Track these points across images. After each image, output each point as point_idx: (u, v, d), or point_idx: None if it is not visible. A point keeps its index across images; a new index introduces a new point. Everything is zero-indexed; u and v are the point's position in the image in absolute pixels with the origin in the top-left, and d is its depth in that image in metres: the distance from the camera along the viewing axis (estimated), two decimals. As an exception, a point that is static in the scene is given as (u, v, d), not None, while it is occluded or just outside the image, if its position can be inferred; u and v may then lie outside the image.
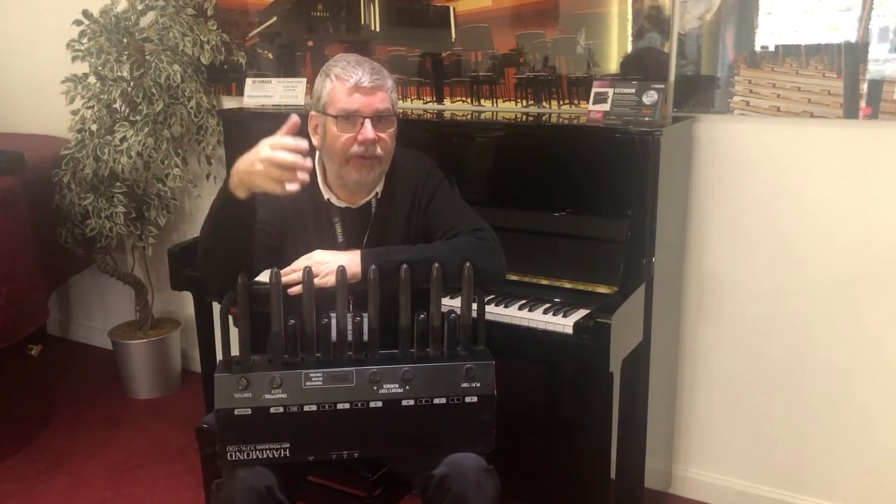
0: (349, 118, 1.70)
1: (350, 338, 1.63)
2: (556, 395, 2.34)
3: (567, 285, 2.03)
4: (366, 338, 1.62)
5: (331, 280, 1.61)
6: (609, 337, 1.81)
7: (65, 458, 2.79)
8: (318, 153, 1.85)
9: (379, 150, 1.73)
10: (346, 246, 1.80)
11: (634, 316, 1.99)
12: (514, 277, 2.05)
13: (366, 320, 1.61)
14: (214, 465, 1.62)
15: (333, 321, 1.60)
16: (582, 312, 1.93)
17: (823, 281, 2.16)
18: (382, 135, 1.73)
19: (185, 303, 3.28)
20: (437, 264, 1.59)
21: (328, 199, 1.82)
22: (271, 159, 1.48)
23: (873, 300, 2.11)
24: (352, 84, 1.69)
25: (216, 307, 2.28)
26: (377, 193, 1.84)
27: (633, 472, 2.17)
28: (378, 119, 1.72)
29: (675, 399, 2.44)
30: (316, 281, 1.60)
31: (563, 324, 1.89)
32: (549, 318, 1.92)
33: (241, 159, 1.54)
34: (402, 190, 1.87)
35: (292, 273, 1.64)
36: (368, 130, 1.70)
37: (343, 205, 1.83)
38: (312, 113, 1.78)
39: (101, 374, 3.43)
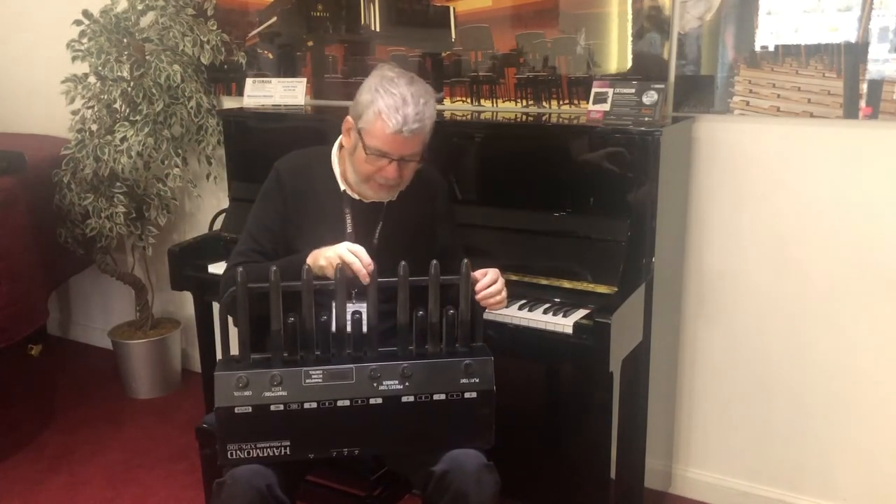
0: (379, 156, 1.74)
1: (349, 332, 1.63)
2: (556, 395, 2.34)
3: (567, 285, 2.03)
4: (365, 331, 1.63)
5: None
6: (609, 337, 1.81)
7: (65, 458, 2.79)
8: (337, 142, 1.88)
9: (398, 182, 1.78)
10: (355, 237, 1.83)
11: (634, 316, 1.99)
12: (514, 277, 2.05)
13: (364, 316, 1.61)
14: (214, 464, 1.62)
15: (333, 318, 1.60)
16: (582, 312, 1.93)
17: (823, 281, 2.16)
18: (405, 168, 1.77)
19: (185, 303, 3.27)
20: (434, 261, 1.60)
21: (344, 189, 1.86)
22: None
23: (873, 300, 2.11)
24: (392, 130, 1.69)
25: (216, 307, 2.27)
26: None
27: (633, 472, 2.17)
28: (404, 160, 1.76)
29: (675, 399, 2.44)
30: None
31: (563, 324, 1.89)
32: (549, 318, 1.92)
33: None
34: (417, 196, 1.90)
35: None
36: (392, 171, 1.74)
37: (356, 197, 1.86)
38: (349, 118, 1.79)
39: (101, 374, 3.43)
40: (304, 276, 1.56)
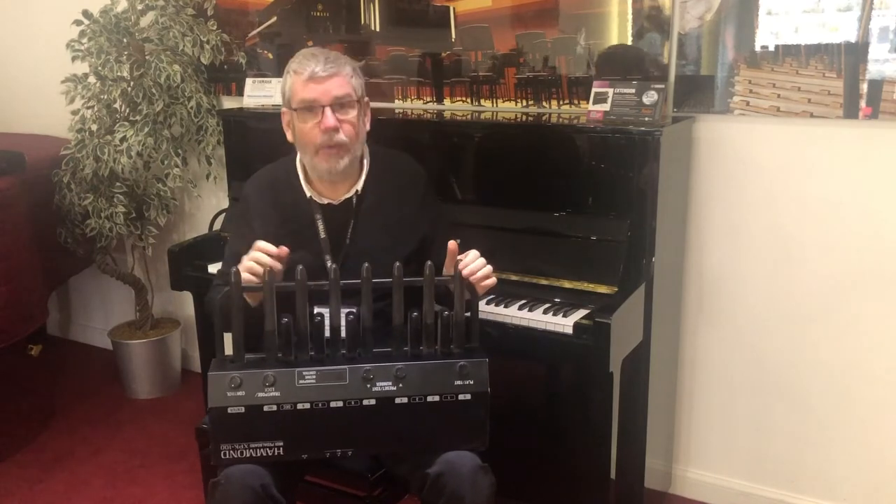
0: (310, 109, 1.74)
1: (343, 334, 1.63)
2: (556, 395, 2.34)
3: (567, 285, 2.03)
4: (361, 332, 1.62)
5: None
6: (609, 337, 1.81)
7: (65, 458, 2.79)
8: (298, 153, 1.88)
9: (342, 136, 1.76)
10: (329, 241, 1.83)
11: (634, 316, 1.99)
12: (514, 277, 2.05)
13: (357, 316, 1.61)
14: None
15: (326, 318, 1.60)
16: (582, 312, 1.93)
17: (823, 281, 2.16)
18: (345, 118, 1.76)
19: (185, 303, 3.28)
20: (429, 262, 1.59)
21: (310, 196, 1.86)
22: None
23: (873, 300, 2.11)
24: (306, 76, 1.73)
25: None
26: (357, 190, 1.86)
27: (633, 472, 2.17)
28: (338, 105, 1.75)
29: (675, 399, 2.44)
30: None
31: (563, 324, 1.89)
32: (549, 318, 1.92)
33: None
34: (391, 189, 1.89)
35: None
36: (329, 118, 1.73)
37: (325, 201, 1.86)
38: (283, 110, 1.82)
39: (101, 374, 3.43)
40: (299, 276, 1.55)
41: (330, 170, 1.79)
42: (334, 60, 1.76)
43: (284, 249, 1.64)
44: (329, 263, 1.81)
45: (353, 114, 1.77)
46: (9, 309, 2.64)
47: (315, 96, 1.73)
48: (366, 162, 1.88)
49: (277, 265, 1.63)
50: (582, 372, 2.16)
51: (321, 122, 1.73)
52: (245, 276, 1.61)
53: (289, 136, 1.84)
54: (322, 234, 1.84)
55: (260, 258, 1.63)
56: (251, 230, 1.85)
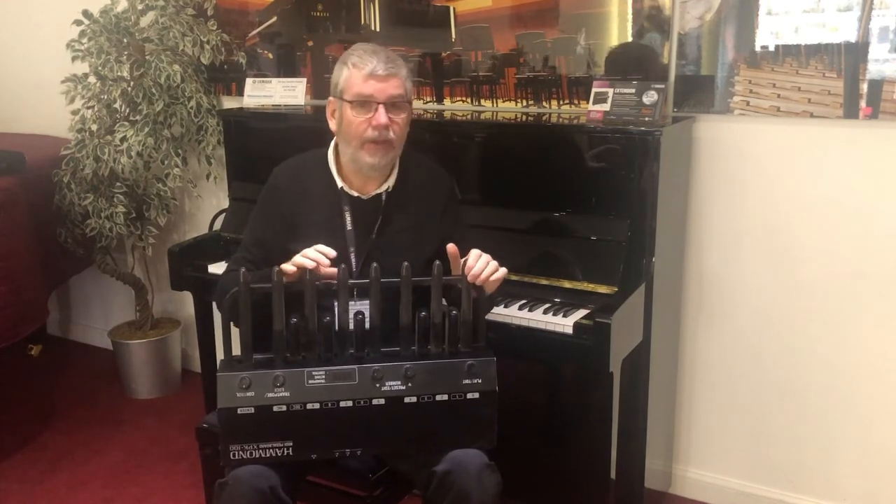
0: (364, 103, 1.75)
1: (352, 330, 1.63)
2: (556, 395, 2.34)
3: (567, 285, 2.03)
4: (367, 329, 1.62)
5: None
6: (609, 337, 1.81)
7: (65, 458, 2.79)
8: (332, 143, 1.88)
9: (391, 135, 1.77)
10: (354, 234, 1.84)
11: (634, 316, 1.99)
12: (514, 277, 2.05)
13: (367, 317, 1.61)
14: (215, 464, 1.63)
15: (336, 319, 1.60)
16: (582, 312, 1.93)
17: (823, 281, 2.16)
18: (395, 118, 1.77)
19: (185, 303, 3.28)
20: (437, 262, 1.60)
21: (342, 187, 1.86)
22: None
23: (873, 300, 2.11)
24: (367, 71, 1.74)
25: (216, 307, 2.27)
26: (389, 187, 1.87)
27: (633, 472, 2.17)
28: (392, 105, 1.76)
29: (675, 399, 2.44)
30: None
31: (563, 324, 1.89)
32: (549, 318, 1.93)
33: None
34: (418, 190, 1.90)
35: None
36: (382, 115, 1.75)
37: (355, 194, 1.86)
38: (331, 98, 1.83)
39: (101, 374, 3.43)
40: (308, 276, 1.56)
41: (373, 164, 1.81)
42: (393, 61, 1.78)
43: (333, 252, 1.65)
44: (353, 257, 1.83)
45: (403, 116, 1.80)
46: (9, 309, 2.64)
47: (372, 92, 1.74)
48: (397, 161, 1.89)
49: (325, 263, 1.63)
50: (582, 372, 2.17)
51: (373, 119, 1.75)
52: (285, 267, 1.63)
53: (332, 126, 1.85)
54: (349, 227, 1.85)
55: (317, 257, 1.63)
56: (280, 217, 1.87)
